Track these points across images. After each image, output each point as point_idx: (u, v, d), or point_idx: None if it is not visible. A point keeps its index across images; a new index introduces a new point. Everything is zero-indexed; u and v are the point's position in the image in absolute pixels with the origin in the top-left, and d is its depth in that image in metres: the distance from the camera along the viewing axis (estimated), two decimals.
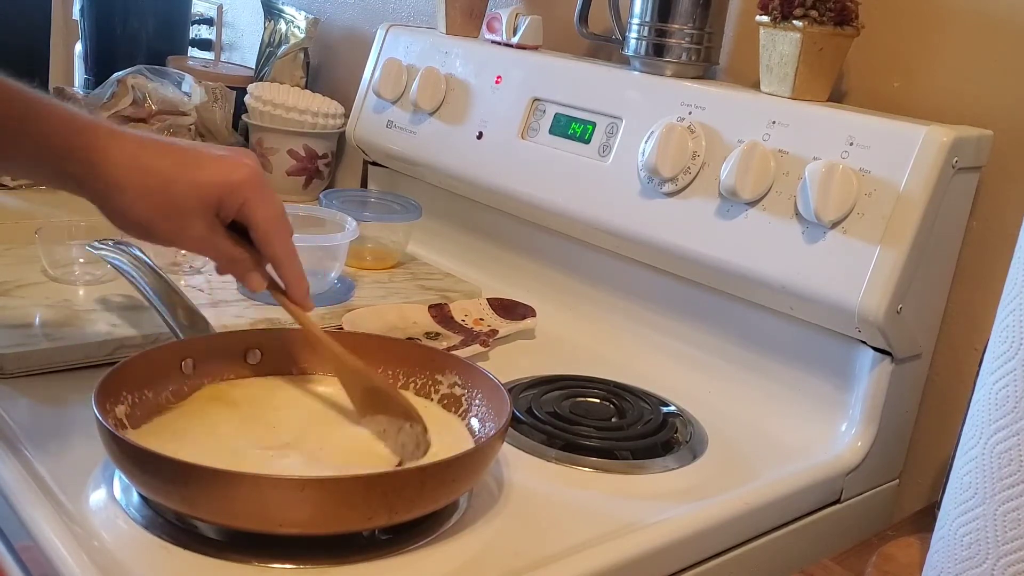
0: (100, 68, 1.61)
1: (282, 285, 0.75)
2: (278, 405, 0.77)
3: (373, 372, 0.75)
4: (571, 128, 1.04)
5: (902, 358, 0.84)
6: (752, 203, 0.87)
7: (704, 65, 1.01)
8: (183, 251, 1.04)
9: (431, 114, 1.19)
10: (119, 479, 0.66)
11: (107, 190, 0.68)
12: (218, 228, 0.71)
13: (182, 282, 0.98)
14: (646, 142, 0.95)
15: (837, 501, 0.84)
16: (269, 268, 0.75)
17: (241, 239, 0.72)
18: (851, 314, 0.80)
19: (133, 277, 0.83)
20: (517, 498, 0.71)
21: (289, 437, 0.72)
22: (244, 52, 1.87)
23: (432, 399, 0.79)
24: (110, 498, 0.65)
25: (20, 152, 0.69)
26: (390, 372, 0.80)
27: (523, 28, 1.15)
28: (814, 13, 0.86)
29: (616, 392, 0.88)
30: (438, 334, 0.98)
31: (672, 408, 0.88)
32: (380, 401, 0.73)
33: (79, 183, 0.69)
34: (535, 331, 1.03)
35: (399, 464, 0.70)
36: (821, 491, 0.82)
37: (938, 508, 0.63)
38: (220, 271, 0.75)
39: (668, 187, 0.93)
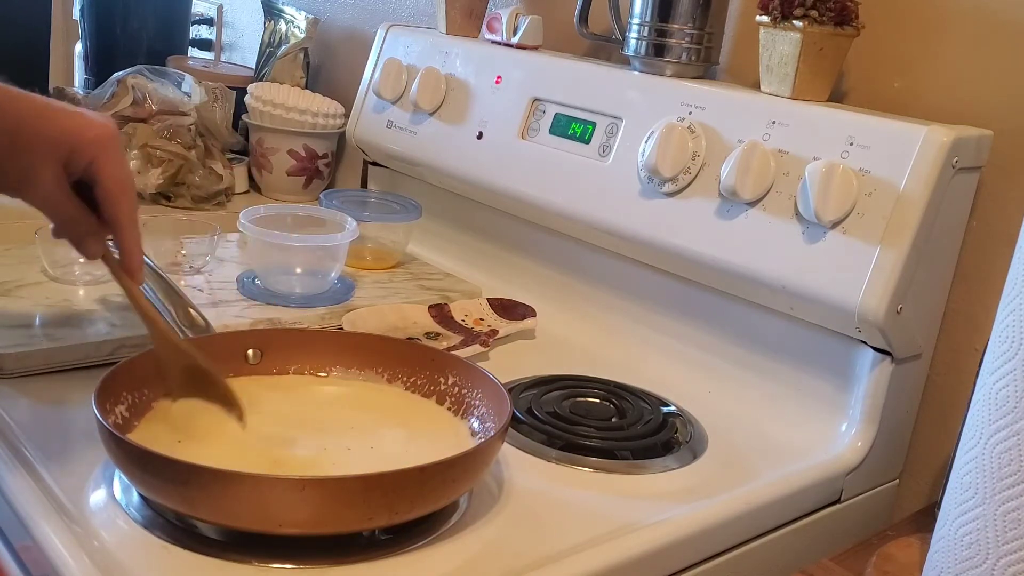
0: (100, 68, 1.61)
1: (116, 254, 0.73)
2: (278, 405, 0.76)
3: (200, 353, 0.73)
4: (571, 128, 1.04)
5: (902, 358, 0.84)
6: (752, 203, 0.87)
7: (704, 65, 1.01)
8: (185, 252, 1.04)
9: (431, 114, 1.19)
10: (119, 479, 0.66)
11: None
12: (63, 183, 0.69)
13: (182, 282, 0.98)
14: (646, 142, 0.95)
15: (837, 501, 0.84)
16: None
17: (84, 205, 0.71)
18: (851, 314, 0.80)
19: None
20: (517, 498, 0.72)
21: (288, 437, 0.72)
22: (244, 52, 1.87)
23: (432, 399, 0.79)
24: (110, 498, 0.65)
25: None
26: (390, 372, 0.80)
27: (523, 28, 1.15)
28: (814, 13, 0.86)
29: (616, 392, 0.88)
30: (438, 334, 0.98)
31: (672, 408, 0.88)
32: (201, 385, 0.72)
33: None
34: (535, 331, 1.03)
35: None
36: (821, 491, 0.82)
37: (938, 508, 0.63)
38: (56, 232, 0.73)
39: (668, 187, 0.93)
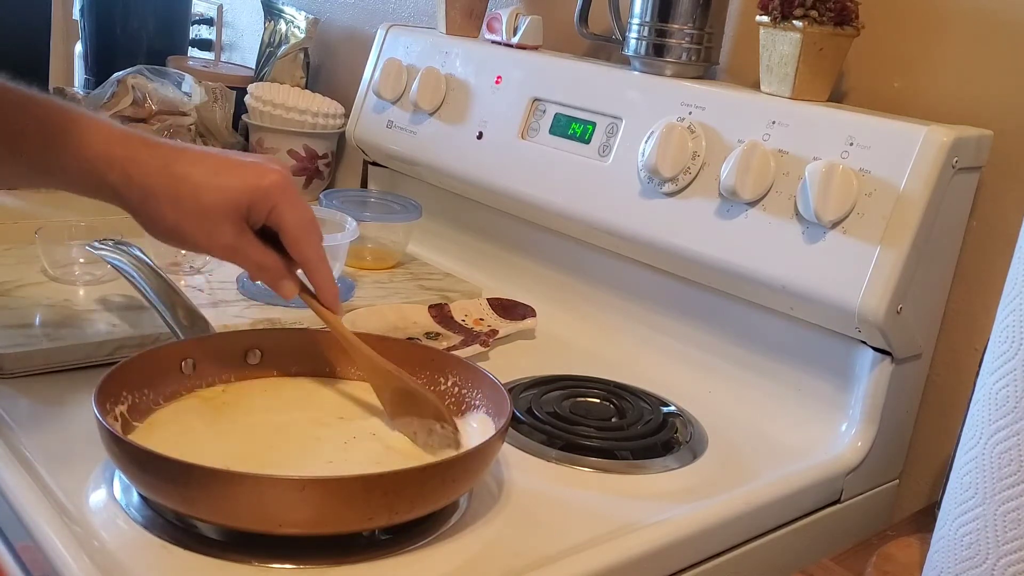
0: (100, 68, 1.61)
1: (312, 289, 0.76)
2: (278, 406, 0.77)
3: (404, 373, 0.75)
4: (571, 128, 1.04)
5: (902, 358, 0.84)
6: (752, 203, 0.87)
7: (704, 65, 1.01)
8: (186, 252, 1.04)
9: (431, 114, 1.19)
10: (119, 479, 0.66)
11: (141, 198, 0.70)
12: (247, 234, 0.72)
13: (182, 282, 0.98)
14: (646, 142, 0.95)
15: (837, 501, 0.84)
16: (300, 274, 0.75)
17: (271, 246, 0.73)
18: (851, 314, 0.80)
19: (133, 277, 0.83)
20: (517, 498, 0.72)
21: (288, 437, 0.72)
22: (244, 52, 1.87)
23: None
24: (110, 498, 0.65)
25: (61, 164, 0.70)
26: None
27: (523, 28, 1.15)
28: (814, 13, 0.86)
29: (616, 392, 0.88)
30: (438, 334, 0.98)
31: (672, 408, 0.88)
32: (411, 403, 0.74)
33: (116, 193, 0.70)
34: (535, 331, 1.03)
35: None
36: (821, 491, 0.82)
37: (938, 508, 0.63)
38: (252, 278, 0.76)
39: (668, 187, 0.93)
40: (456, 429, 0.72)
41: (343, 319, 0.95)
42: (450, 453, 0.70)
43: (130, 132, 0.71)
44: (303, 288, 0.76)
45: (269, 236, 0.73)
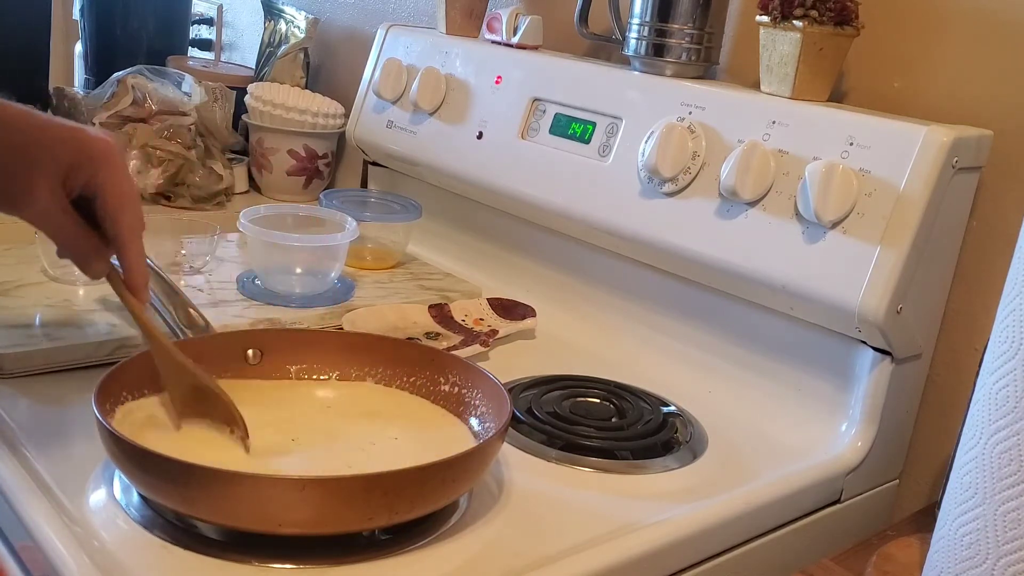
0: (100, 68, 1.61)
1: (121, 271, 0.72)
2: (278, 406, 0.76)
3: (202, 371, 0.72)
4: (571, 128, 1.04)
5: (902, 358, 0.84)
6: (752, 203, 0.87)
7: (704, 65, 1.01)
8: (186, 251, 1.04)
9: (431, 114, 1.19)
10: (119, 479, 0.66)
11: None
12: (63, 200, 0.68)
13: (182, 282, 0.98)
14: (646, 142, 0.95)
15: (837, 501, 0.84)
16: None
17: (85, 222, 0.70)
18: (851, 314, 0.80)
19: None
20: (517, 498, 0.72)
21: (288, 438, 0.72)
22: (244, 52, 1.87)
23: (432, 399, 0.79)
24: (110, 498, 0.65)
25: None
26: (390, 372, 0.80)
27: (523, 28, 1.15)
28: (814, 13, 0.86)
29: (616, 392, 0.88)
30: (438, 334, 0.98)
31: (672, 408, 0.88)
32: (204, 402, 0.71)
33: None
34: (535, 331, 1.03)
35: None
36: (821, 491, 0.82)
37: (938, 508, 0.63)
38: (59, 252, 0.72)
39: (668, 187, 0.93)
40: (247, 435, 0.69)
41: (345, 318, 0.96)
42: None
43: None
44: (114, 272, 0.72)
45: (87, 215, 0.69)
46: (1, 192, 0.68)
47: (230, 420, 0.70)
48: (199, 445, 0.69)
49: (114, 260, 0.72)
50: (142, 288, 0.72)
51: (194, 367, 0.72)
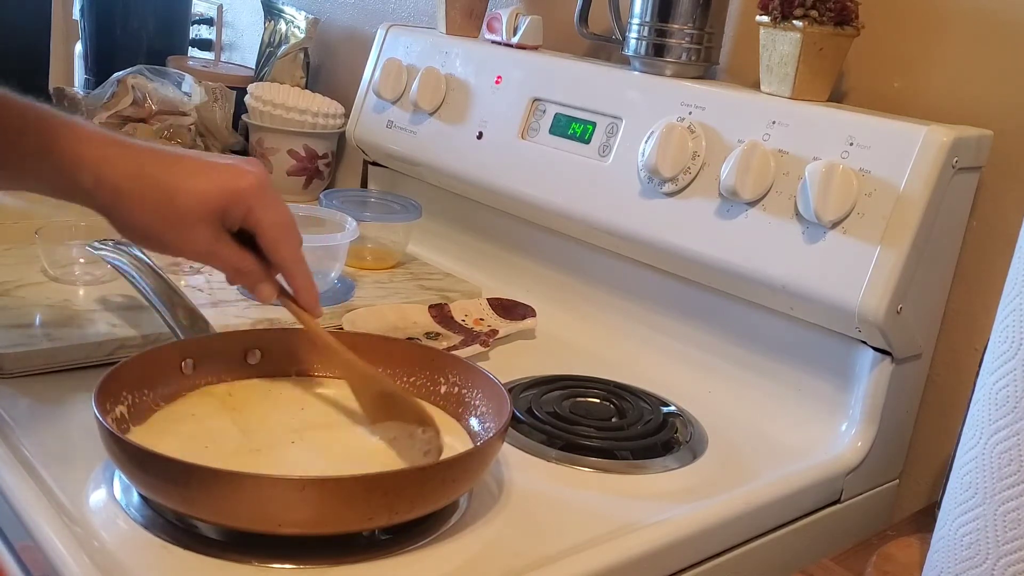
0: (100, 68, 1.61)
1: (291, 292, 0.75)
2: (278, 406, 0.77)
3: (384, 377, 0.75)
4: (571, 128, 1.04)
5: (902, 358, 0.84)
6: (752, 203, 0.87)
7: (704, 65, 1.01)
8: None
9: (431, 114, 1.19)
10: (119, 479, 0.66)
11: (114, 201, 0.68)
12: (223, 237, 0.71)
13: (182, 282, 0.98)
14: (646, 142, 0.95)
15: (837, 501, 0.84)
16: (280, 278, 0.74)
17: (249, 249, 0.72)
18: (851, 314, 0.80)
19: (133, 277, 0.83)
20: (517, 498, 0.71)
21: (288, 438, 0.72)
22: (244, 52, 1.87)
23: (432, 399, 0.79)
24: (110, 498, 0.65)
25: (33, 167, 0.69)
26: (390, 372, 0.80)
27: (523, 28, 1.15)
28: (814, 13, 0.86)
29: (616, 392, 0.88)
30: (438, 334, 0.98)
31: (672, 408, 0.88)
32: (392, 407, 0.73)
33: (88, 195, 0.69)
34: (535, 331, 1.03)
35: None
36: (821, 491, 0.82)
37: (938, 508, 0.63)
38: (230, 281, 0.75)
39: (668, 187, 0.93)
40: (438, 433, 0.71)
41: (345, 318, 0.96)
42: (432, 459, 0.68)
43: (102, 133, 0.69)
44: (282, 291, 0.75)
45: (247, 238, 0.72)
46: (157, 242, 0.70)
47: (421, 420, 0.71)
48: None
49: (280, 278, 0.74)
50: (315, 305, 0.75)
51: (378, 374, 0.75)
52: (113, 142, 0.69)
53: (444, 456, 0.67)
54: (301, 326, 0.76)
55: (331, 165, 1.47)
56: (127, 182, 0.68)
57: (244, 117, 1.46)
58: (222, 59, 1.89)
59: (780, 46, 0.89)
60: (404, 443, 0.71)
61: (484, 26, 1.21)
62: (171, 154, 0.71)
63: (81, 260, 0.98)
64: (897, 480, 0.92)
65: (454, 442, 0.73)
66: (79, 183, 0.68)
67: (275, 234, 0.71)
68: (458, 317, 1.02)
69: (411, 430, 0.71)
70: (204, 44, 1.91)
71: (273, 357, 0.80)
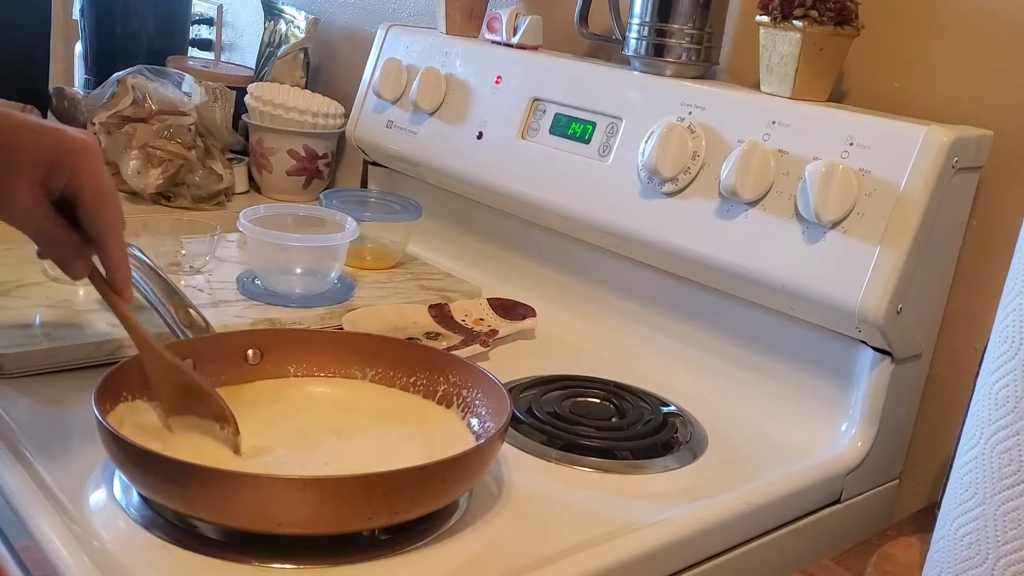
0: (100, 68, 1.61)
1: (103, 271, 0.71)
2: (277, 406, 0.77)
3: (189, 369, 0.72)
4: (571, 128, 1.04)
5: (902, 358, 0.84)
6: (752, 203, 0.87)
7: (704, 65, 1.01)
8: (185, 251, 1.04)
9: (431, 114, 1.19)
10: (119, 479, 0.66)
11: None
12: (43, 200, 0.68)
13: (182, 282, 0.98)
14: (646, 142, 0.95)
15: (837, 501, 0.84)
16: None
17: (66, 222, 0.69)
18: (851, 314, 0.80)
19: (133, 277, 0.83)
20: (517, 498, 0.72)
21: (288, 438, 0.72)
22: (244, 52, 1.87)
23: (432, 399, 0.79)
24: (110, 498, 0.65)
25: None
26: (390, 372, 0.81)
27: (523, 28, 1.15)
28: (814, 13, 0.86)
29: (616, 392, 0.88)
30: (438, 334, 0.98)
31: (672, 408, 0.88)
32: (193, 400, 0.71)
33: None
34: (535, 331, 1.03)
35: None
36: (821, 491, 0.82)
37: (938, 508, 0.63)
38: (39, 253, 0.71)
39: (668, 187, 0.93)
40: (237, 432, 0.69)
41: (345, 318, 0.96)
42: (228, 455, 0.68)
43: None
44: (95, 272, 0.71)
45: (67, 214, 0.69)
46: None
47: (220, 416, 0.70)
48: (198, 446, 0.69)
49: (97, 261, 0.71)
50: (125, 287, 0.71)
51: (182, 364, 0.71)
52: None
53: (444, 456, 0.67)
54: (112, 311, 0.73)
55: (331, 165, 1.47)
56: None
57: (244, 117, 1.46)
58: (222, 59, 1.89)
59: (780, 46, 0.89)
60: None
61: (484, 26, 1.21)
62: (3, 111, 0.69)
63: None
64: (897, 480, 0.92)
65: (454, 442, 0.73)
66: None
67: (96, 200, 0.68)
68: (458, 317, 1.02)
69: (210, 425, 0.70)
70: (204, 44, 1.91)
71: (273, 357, 0.80)
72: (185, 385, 0.71)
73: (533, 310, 1.04)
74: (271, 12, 1.64)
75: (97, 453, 0.65)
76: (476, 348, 0.94)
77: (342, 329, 0.94)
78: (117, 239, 0.70)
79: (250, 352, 0.79)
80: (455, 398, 0.78)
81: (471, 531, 0.66)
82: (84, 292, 0.95)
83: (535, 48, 1.16)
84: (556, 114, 1.06)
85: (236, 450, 0.69)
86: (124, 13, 1.61)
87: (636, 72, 1.02)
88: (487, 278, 1.15)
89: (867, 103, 0.93)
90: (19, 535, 0.63)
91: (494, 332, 0.99)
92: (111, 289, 0.71)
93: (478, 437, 0.74)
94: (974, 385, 0.58)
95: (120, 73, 1.39)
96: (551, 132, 1.06)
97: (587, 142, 1.02)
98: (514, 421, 0.80)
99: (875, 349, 0.83)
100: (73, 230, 0.69)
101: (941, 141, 0.78)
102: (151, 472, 0.61)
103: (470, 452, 0.66)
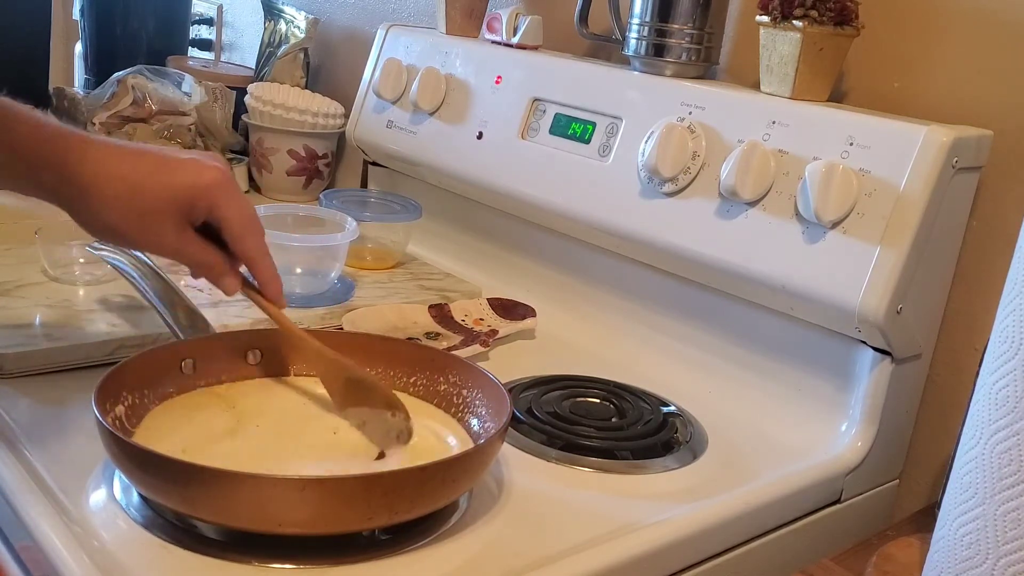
0: (100, 68, 1.61)
1: (256, 284, 0.75)
2: (278, 406, 0.76)
3: (352, 363, 0.76)
4: (571, 128, 1.04)
5: (902, 358, 0.84)
6: (752, 203, 0.87)
7: (704, 65, 1.01)
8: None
9: (431, 114, 1.19)
10: (119, 479, 0.66)
11: (79, 197, 0.69)
12: (189, 232, 0.71)
13: (182, 282, 0.98)
14: (646, 142, 0.95)
15: (837, 501, 0.84)
16: (244, 271, 0.75)
17: (213, 243, 0.73)
18: (851, 314, 0.80)
19: (133, 277, 0.83)
20: (517, 498, 0.72)
21: (288, 438, 0.72)
22: (244, 52, 1.87)
23: (432, 399, 0.79)
24: (110, 498, 0.65)
25: None
26: (390, 372, 0.80)
27: (523, 28, 1.15)
28: (814, 13, 0.86)
29: (616, 392, 0.88)
30: (438, 334, 0.98)
31: (672, 408, 0.88)
32: (362, 393, 0.74)
33: (52, 192, 0.69)
34: (535, 331, 1.03)
35: (380, 455, 0.70)
36: (821, 491, 0.82)
37: (938, 508, 0.63)
38: (195, 275, 0.75)
39: (668, 187, 0.93)
40: (408, 416, 0.72)
41: (345, 318, 0.95)
42: (403, 442, 0.71)
43: (64, 129, 0.70)
44: (247, 284, 0.75)
45: (210, 232, 0.72)
46: (123, 238, 0.71)
47: (390, 404, 0.73)
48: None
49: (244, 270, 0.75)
50: (279, 296, 0.76)
51: (346, 361, 0.75)
52: (76, 139, 0.69)
53: (444, 456, 0.67)
54: (272, 321, 0.76)
55: (331, 165, 1.47)
56: (90, 180, 0.68)
57: (244, 117, 1.46)
58: (222, 59, 1.89)
59: (780, 46, 0.89)
60: (374, 426, 0.73)
61: (484, 26, 1.21)
62: (135, 149, 0.71)
63: (81, 260, 0.98)
64: (897, 480, 0.92)
65: (454, 442, 0.73)
66: (43, 182, 0.69)
67: (240, 227, 0.72)
68: (458, 317, 1.02)
69: (381, 414, 0.73)
70: (204, 44, 1.91)
71: (273, 357, 0.80)
72: (354, 379, 0.75)
73: (533, 310, 1.04)
74: (271, 12, 1.64)
75: (97, 453, 0.65)
76: (476, 348, 0.94)
77: (342, 329, 0.94)
78: (264, 257, 0.74)
79: (250, 352, 0.79)
80: (455, 398, 0.78)
81: (471, 531, 0.66)
82: (84, 292, 0.95)
83: (535, 48, 1.16)
84: (556, 114, 1.06)
85: (409, 435, 0.71)
86: (124, 13, 1.61)
87: (636, 72, 1.02)
88: (487, 278, 1.15)
89: (867, 103, 0.93)
90: (19, 535, 0.63)
91: (494, 332, 0.99)
92: (267, 299, 0.75)
93: (478, 437, 0.74)
94: (974, 385, 0.58)
95: (120, 73, 1.39)
96: (551, 132, 1.06)
97: (587, 142, 1.02)
98: (514, 421, 0.80)
99: (875, 349, 0.83)
100: (220, 252, 0.73)
101: (941, 141, 0.78)
102: (151, 472, 0.61)
103: (470, 452, 0.66)
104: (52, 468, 0.68)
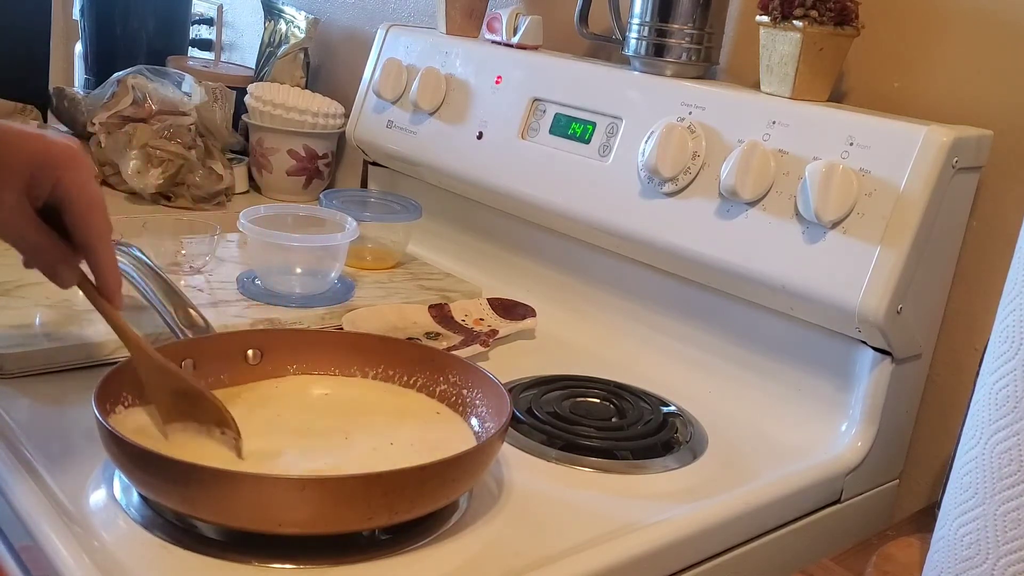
0: (100, 68, 1.61)
1: (92, 278, 0.70)
2: (278, 405, 0.76)
3: (184, 374, 0.71)
4: (571, 128, 1.04)
5: (902, 358, 0.84)
6: (752, 203, 0.87)
7: (704, 65, 1.01)
8: (185, 251, 1.04)
9: (431, 114, 1.19)
10: (119, 479, 0.66)
11: None
12: (27, 209, 0.66)
13: (182, 282, 0.98)
14: (646, 142, 0.95)
15: (837, 501, 0.84)
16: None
17: (52, 231, 0.68)
18: (851, 314, 0.80)
19: (133, 277, 0.83)
20: (517, 498, 0.72)
21: (288, 438, 0.72)
22: (244, 52, 1.87)
23: (432, 399, 0.79)
24: (110, 498, 0.65)
25: None
26: (391, 372, 0.81)
27: (523, 28, 1.15)
28: (814, 13, 0.86)
29: (616, 392, 0.88)
30: (438, 334, 0.98)
31: (672, 408, 0.88)
32: (191, 406, 0.70)
33: None
34: (535, 331, 1.03)
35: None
36: (821, 491, 0.82)
37: (938, 508, 0.63)
38: (26, 263, 0.70)
39: (668, 187, 0.93)
40: (238, 436, 0.68)
41: (345, 318, 0.96)
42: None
43: None
44: (83, 278, 0.70)
45: (52, 221, 0.67)
46: None
47: (220, 421, 0.69)
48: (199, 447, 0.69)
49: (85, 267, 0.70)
50: (116, 293, 0.70)
51: (177, 370, 0.71)
52: None
53: (443, 456, 0.67)
54: (105, 318, 0.71)
55: (331, 165, 1.47)
56: None
57: (244, 117, 1.46)
58: (222, 59, 1.89)
59: (780, 46, 0.89)
60: (200, 443, 0.69)
61: (484, 26, 1.21)
62: None
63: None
64: (897, 480, 0.92)
65: (454, 442, 0.73)
66: None
67: (83, 206, 0.67)
68: (458, 317, 1.02)
69: (210, 431, 0.69)
70: (204, 44, 1.91)
71: (273, 357, 0.80)
72: (182, 390, 0.70)
73: (533, 310, 1.04)
74: (271, 12, 1.64)
75: (97, 453, 0.65)
76: (476, 348, 0.94)
77: (342, 329, 0.94)
78: (105, 246, 0.69)
79: (250, 352, 0.79)
80: (455, 398, 0.78)
81: (471, 531, 0.66)
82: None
83: (535, 48, 1.16)
84: (556, 114, 1.06)
85: (239, 454, 0.68)
86: (124, 13, 1.61)
87: (636, 72, 1.02)
88: (487, 278, 1.15)
89: (867, 103, 0.93)
90: (19, 535, 0.63)
91: (494, 332, 0.99)
92: (102, 295, 0.70)
93: (478, 437, 0.74)
94: (974, 385, 0.58)
95: (120, 73, 1.39)
96: (551, 132, 1.06)
97: (587, 142, 1.02)
98: (514, 421, 0.80)
99: (875, 349, 0.83)
100: (59, 239, 0.68)
101: (941, 141, 0.78)
102: (151, 472, 0.61)
103: (470, 452, 0.66)
104: (52, 468, 0.68)
